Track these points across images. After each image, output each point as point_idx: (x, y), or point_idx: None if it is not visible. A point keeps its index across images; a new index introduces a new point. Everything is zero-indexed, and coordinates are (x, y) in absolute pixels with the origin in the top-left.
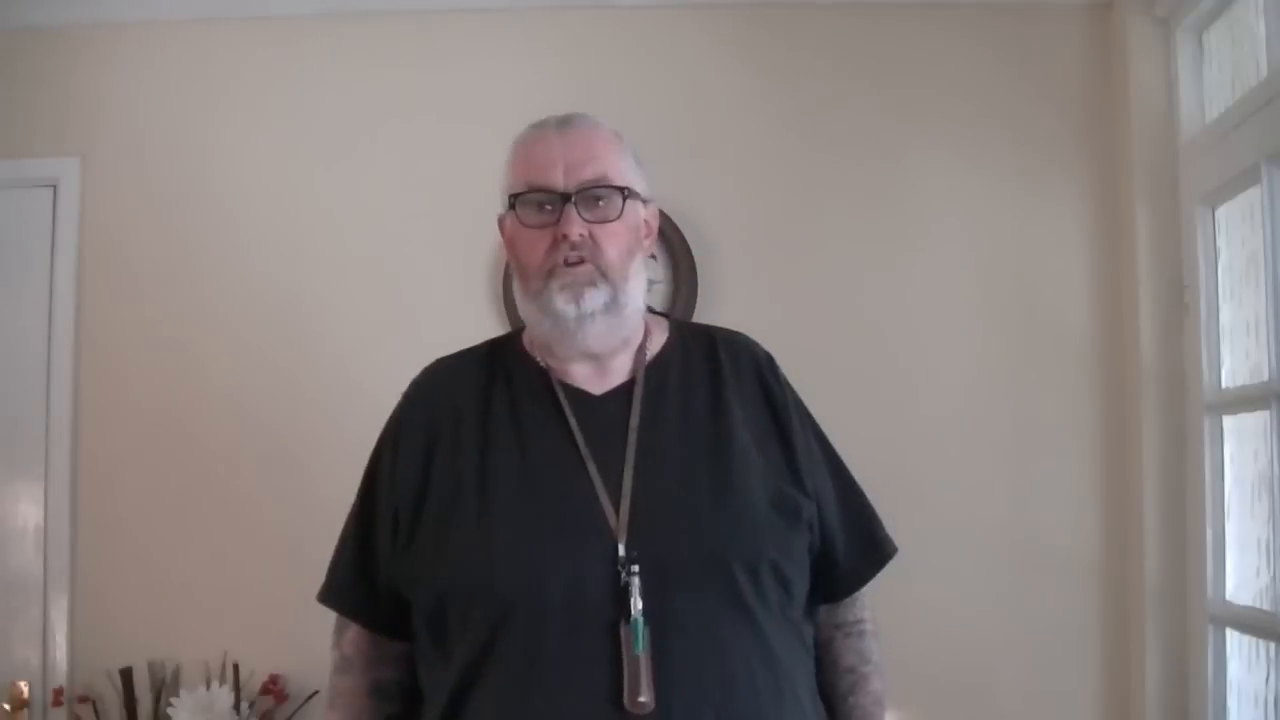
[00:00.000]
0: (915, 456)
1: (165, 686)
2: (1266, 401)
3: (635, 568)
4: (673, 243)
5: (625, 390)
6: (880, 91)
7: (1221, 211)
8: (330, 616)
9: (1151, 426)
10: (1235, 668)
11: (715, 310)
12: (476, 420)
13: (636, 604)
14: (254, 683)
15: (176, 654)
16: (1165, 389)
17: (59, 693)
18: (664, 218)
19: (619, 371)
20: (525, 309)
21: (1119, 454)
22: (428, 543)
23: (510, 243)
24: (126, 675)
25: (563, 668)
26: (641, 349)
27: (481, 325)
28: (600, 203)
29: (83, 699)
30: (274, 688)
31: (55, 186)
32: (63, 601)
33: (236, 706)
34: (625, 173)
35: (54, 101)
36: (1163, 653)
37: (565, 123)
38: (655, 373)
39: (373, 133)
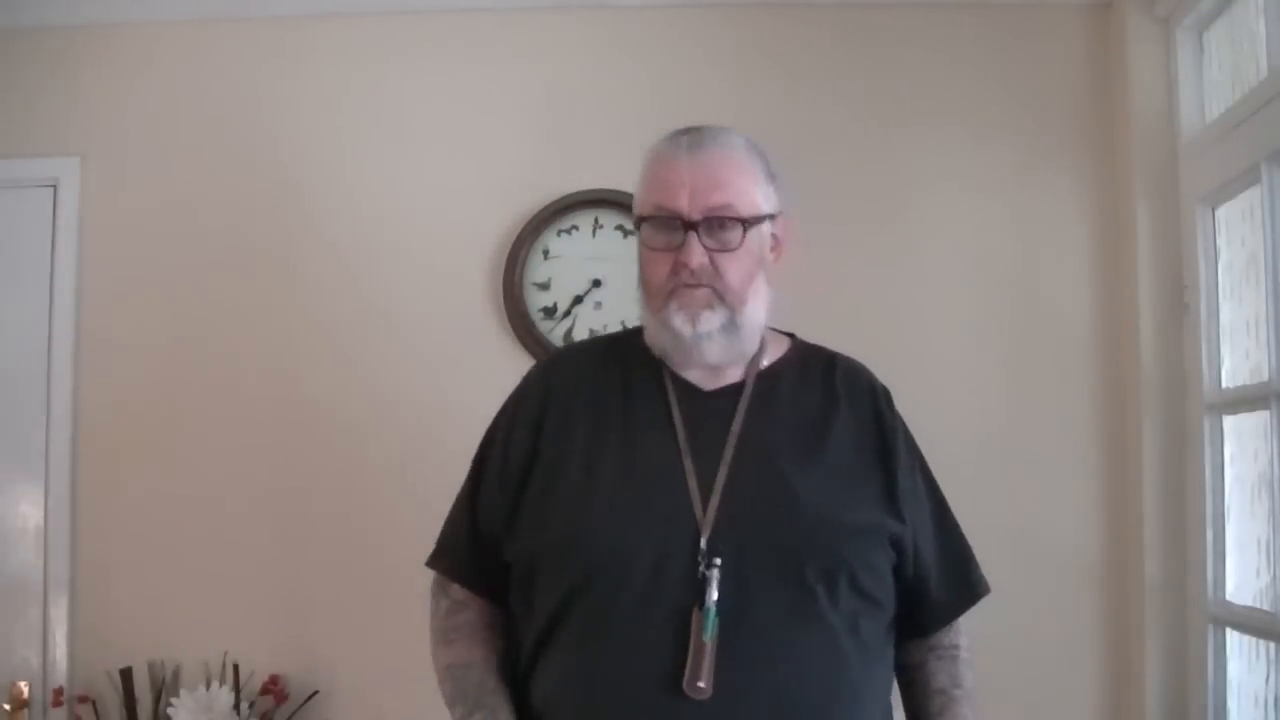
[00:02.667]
0: None
1: (165, 686)
2: (1266, 401)
3: (717, 560)
4: None
5: (734, 391)
6: (879, 91)
7: (1221, 211)
8: (330, 617)
9: (1151, 426)
10: (1235, 668)
11: None
12: (590, 401)
13: (712, 594)
14: (254, 683)
15: (176, 654)
16: (1165, 389)
17: (59, 693)
18: None
19: (731, 374)
20: (647, 321)
21: (1119, 454)
22: (527, 506)
23: (639, 255)
24: (126, 675)
25: (629, 640)
26: (756, 358)
27: (482, 326)
28: (723, 231)
29: (83, 699)
30: (274, 688)
31: (55, 186)
32: (63, 601)
33: (236, 706)
34: (753, 197)
35: (54, 101)
36: (1163, 653)
37: (696, 143)
38: (766, 380)
39: (373, 133)
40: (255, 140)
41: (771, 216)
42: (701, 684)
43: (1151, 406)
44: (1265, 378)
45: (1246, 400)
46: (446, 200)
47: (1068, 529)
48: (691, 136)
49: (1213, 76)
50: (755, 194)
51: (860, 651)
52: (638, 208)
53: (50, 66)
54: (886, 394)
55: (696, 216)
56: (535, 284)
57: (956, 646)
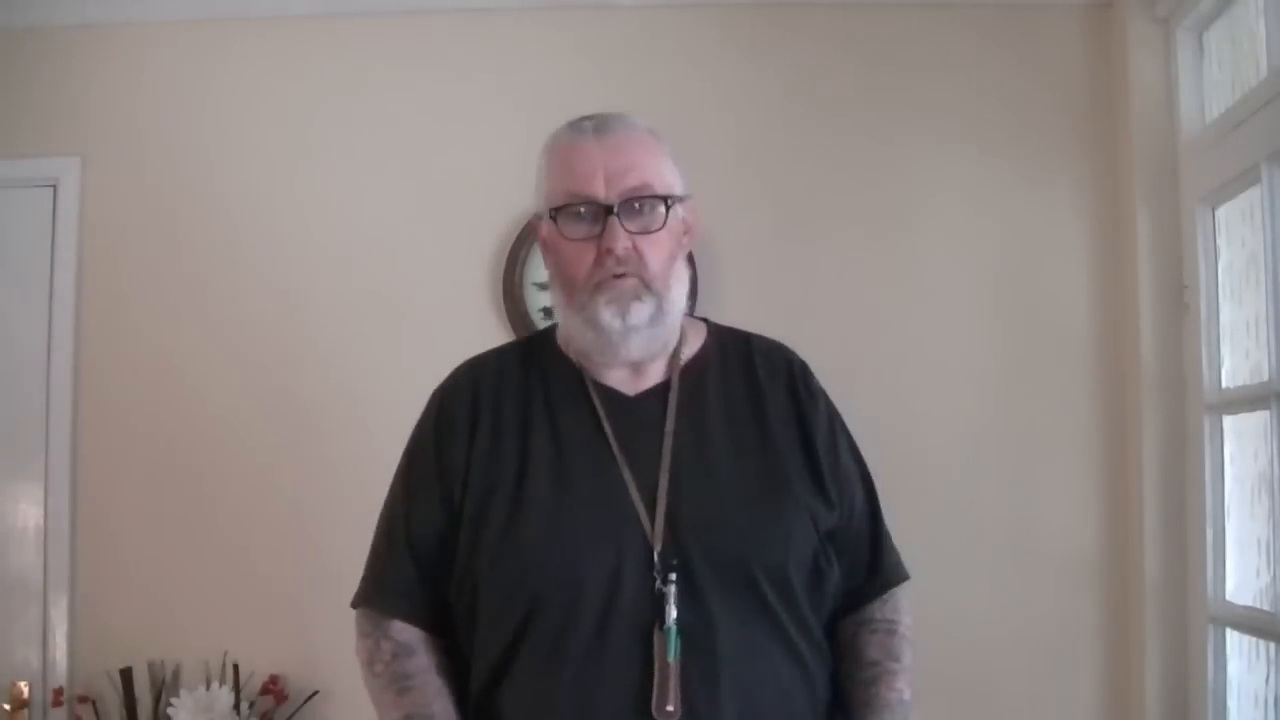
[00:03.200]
0: (915, 457)
1: (165, 686)
2: (1266, 401)
3: (672, 576)
4: None
5: (660, 392)
6: (880, 91)
7: (1221, 211)
8: (330, 617)
9: (1151, 426)
10: (1235, 668)
11: (713, 309)
12: (514, 415)
13: (671, 612)
14: (254, 683)
15: (176, 654)
16: (1165, 389)
17: (59, 693)
18: None
19: (654, 374)
20: (568, 320)
21: (1119, 454)
22: (466, 526)
23: (551, 252)
24: (126, 675)
25: (591, 667)
26: (676, 352)
27: (482, 326)
28: (644, 213)
29: (83, 699)
30: (274, 688)
31: (55, 186)
32: (63, 601)
33: (236, 706)
34: (666, 177)
35: (54, 101)
36: (1163, 653)
37: (602, 128)
38: (691, 375)
39: (373, 133)
40: (256, 140)
41: (681, 198)
42: (670, 708)
43: (1151, 407)
44: (1265, 378)
45: (1246, 400)
46: (447, 201)
47: (1068, 529)
48: (595, 121)
49: (1213, 76)
50: (667, 173)
51: (816, 655)
52: (548, 199)
53: (50, 66)
54: (804, 369)
55: (615, 200)
56: (535, 284)
57: (893, 622)
